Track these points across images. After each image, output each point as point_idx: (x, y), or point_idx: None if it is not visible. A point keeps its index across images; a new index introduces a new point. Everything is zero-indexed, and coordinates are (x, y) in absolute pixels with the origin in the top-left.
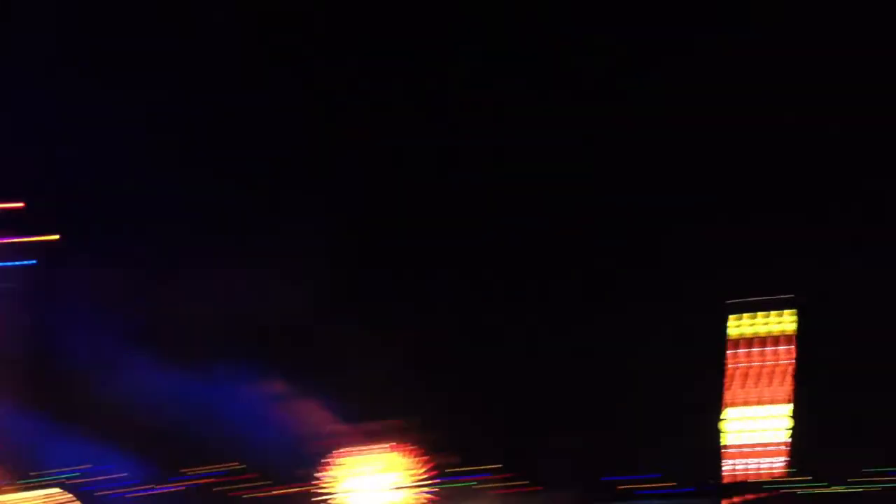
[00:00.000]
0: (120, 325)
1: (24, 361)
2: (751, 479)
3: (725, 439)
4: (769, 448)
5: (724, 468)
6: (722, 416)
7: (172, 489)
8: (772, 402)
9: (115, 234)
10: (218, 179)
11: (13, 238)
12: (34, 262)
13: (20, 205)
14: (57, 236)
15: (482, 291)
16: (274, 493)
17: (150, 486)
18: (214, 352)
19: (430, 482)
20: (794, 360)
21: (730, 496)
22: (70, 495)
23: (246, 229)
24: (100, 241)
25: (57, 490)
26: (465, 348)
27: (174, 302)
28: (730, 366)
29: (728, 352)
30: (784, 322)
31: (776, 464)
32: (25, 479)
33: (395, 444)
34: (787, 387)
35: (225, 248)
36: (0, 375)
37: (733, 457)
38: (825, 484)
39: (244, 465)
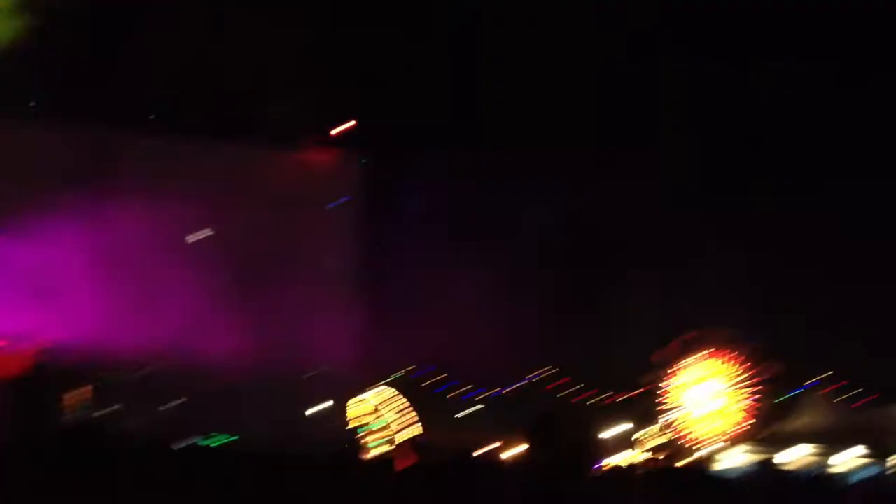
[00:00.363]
0: (454, 239)
1: (361, 275)
2: None
3: None
4: None
5: None
6: None
7: (502, 392)
8: None
9: (441, 148)
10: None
11: (346, 155)
12: (367, 178)
13: (352, 123)
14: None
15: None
16: (613, 399)
17: (475, 389)
18: (555, 265)
19: (761, 391)
20: None
21: None
22: (399, 394)
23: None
24: (426, 156)
25: (388, 389)
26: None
27: (512, 212)
28: None
29: None
30: None
31: None
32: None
33: (725, 351)
34: None
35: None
36: (341, 288)
37: None
38: None
39: (560, 370)
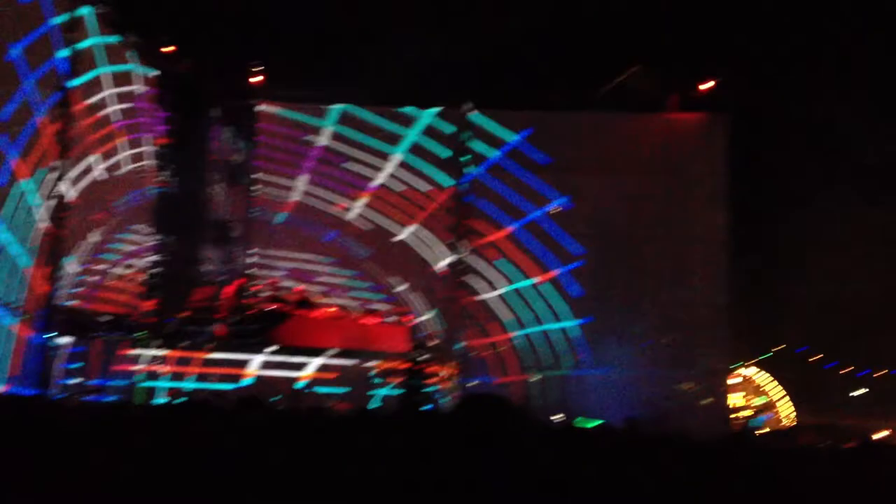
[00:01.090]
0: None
1: (732, 244)
2: None
3: None
4: None
5: None
6: None
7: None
8: None
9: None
10: None
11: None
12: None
13: (710, 84)
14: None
15: None
16: None
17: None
18: None
19: None
20: None
21: None
22: (768, 376)
23: None
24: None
25: (754, 371)
26: None
27: None
28: None
29: None
30: None
31: None
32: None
33: None
34: None
35: None
36: (710, 258)
37: None
38: None
39: None
